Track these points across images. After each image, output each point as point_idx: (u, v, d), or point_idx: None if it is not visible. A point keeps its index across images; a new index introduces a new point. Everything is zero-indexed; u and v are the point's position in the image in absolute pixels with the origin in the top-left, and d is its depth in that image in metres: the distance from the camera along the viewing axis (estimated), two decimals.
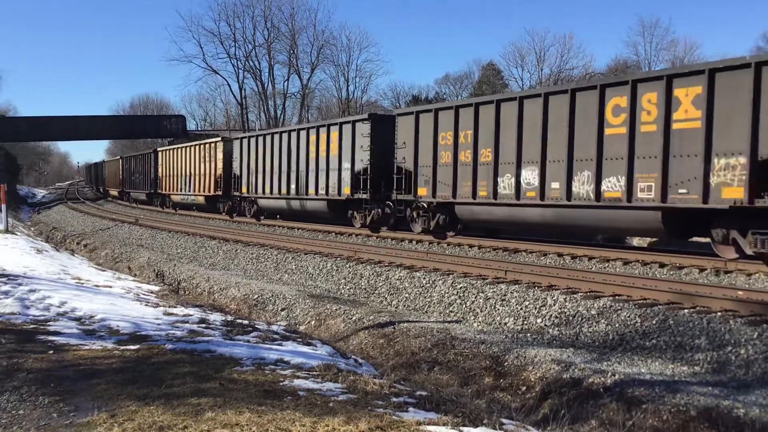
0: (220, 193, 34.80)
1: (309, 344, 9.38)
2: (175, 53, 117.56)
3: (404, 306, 13.23)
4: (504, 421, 6.15)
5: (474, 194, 18.07)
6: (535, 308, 11.18)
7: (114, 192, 64.84)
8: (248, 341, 8.86)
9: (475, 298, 12.24)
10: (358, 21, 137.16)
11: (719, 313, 9.51)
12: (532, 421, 7.33)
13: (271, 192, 29.00)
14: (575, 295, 11.19)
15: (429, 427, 5.28)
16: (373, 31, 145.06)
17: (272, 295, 14.36)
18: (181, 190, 40.64)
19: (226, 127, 77.04)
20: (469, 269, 14.10)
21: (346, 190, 23.58)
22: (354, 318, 11.98)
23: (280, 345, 8.84)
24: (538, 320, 10.89)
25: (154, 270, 19.91)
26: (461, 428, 5.35)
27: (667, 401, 7.13)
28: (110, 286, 13.99)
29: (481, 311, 11.83)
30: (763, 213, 12.17)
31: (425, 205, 20.37)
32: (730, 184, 12.44)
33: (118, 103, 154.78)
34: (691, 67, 13.50)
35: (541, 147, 16.08)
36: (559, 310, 10.84)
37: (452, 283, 13.11)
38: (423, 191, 20.05)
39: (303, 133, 26.62)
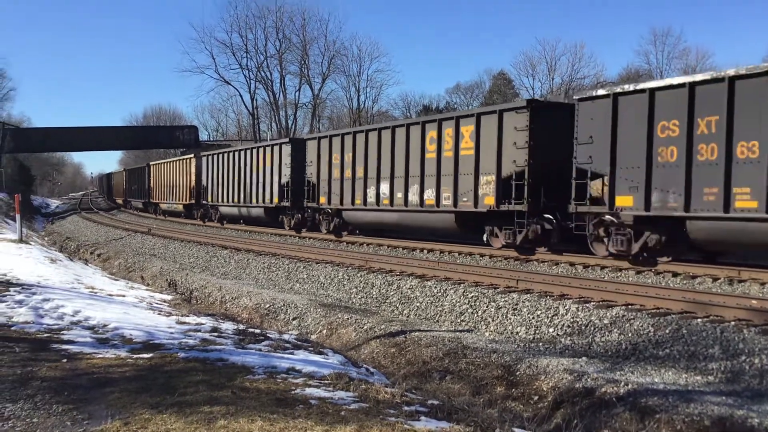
0: (193, 201, 40.62)
1: (320, 353, 9.40)
2: (188, 64, 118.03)
3: (415, 315, 13.22)
4: (516, 430, 6.14)
5: (353, 202, 23.60)
6: (547, 317, 11.15)
7: (119, 200, 68.47)
8: (260, 350, 8.88)
9: (487, 307, 12.22)
10: (368, 31, 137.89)
11: (733, 323, 9.45)
12: (545, 431, 7.31)
13: (229, 201, 34.85)
14: (587, 305, 11.15)
15: None
16: (383, 41, 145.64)
17: (284, 305, 14.39)
18: (166, 199, 47.33)
19: (237, 137, 77.45)
20: (481, 278, 14.08)
21: (276, 200, 29.32)
22: (365, 327, 11.98)
23: (291, 354, 8.85)
24: (551, 329, 10.85)
25: (167, 279, 20.00)
26: None
27: (680, 411, 7.08)
28: (123, 296, 14.07)
29: (493, 320, 11.80)
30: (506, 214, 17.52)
31: (329, 211, 25.35)
32: (489, 194, 17.87)
33: (131, 114, 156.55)
34: (468, 112, 19.68)
35: (391, 166, 21.69)
36: (572, 320, 10.80)
37: (463, 292, 13.10)
38: (323, 200, 25.64)
39: (248, 153, 32.60)
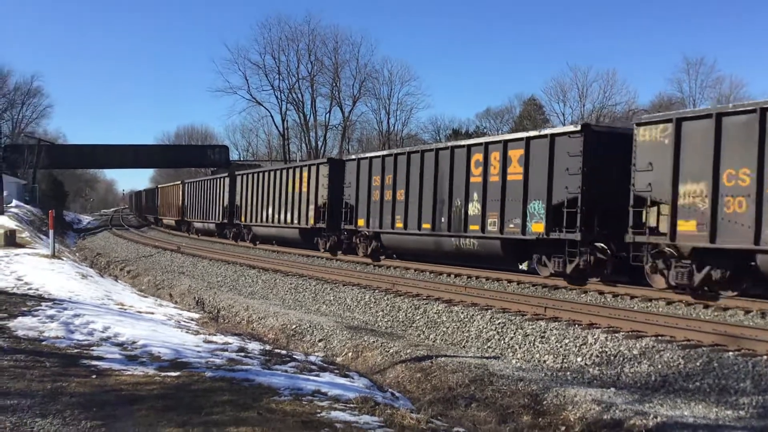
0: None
1: (346, 376, 9.39)
2: (221, 84, 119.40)
3: (442, 340, 13.15)
4: None
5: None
6: (575, 346, 11.03)
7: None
8: (286, 371, 8.90)
9: (514, 334, 12.13)
10: (400, 55, 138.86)
11: (765, 357, 9.27)
12: None
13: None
14: (617, 335, 11.02)
15: None
16: (414, 65, 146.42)
17: (310, 326, 14.41)
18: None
19: (267, 157, 78.15)
20: (508, 305, 13.98)
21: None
22: (391, 351, 11.94)
23: (317, 376, 8.86)
24: (578, 359, 10.72)
25: (195, 297, 20.15)
26: None
27: None
28: (152, 313, 14.21)
29: (520, 348, 11.70)
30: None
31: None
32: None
33: (164, 133, 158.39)
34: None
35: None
36: (600, 349, 10.67)
37: (490, 318, 13.02)
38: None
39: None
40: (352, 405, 7.02)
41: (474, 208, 19.50)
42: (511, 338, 12.05)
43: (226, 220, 40.20)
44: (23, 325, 10.08)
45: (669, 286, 14.41)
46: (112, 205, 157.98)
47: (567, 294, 16.08)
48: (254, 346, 10.96)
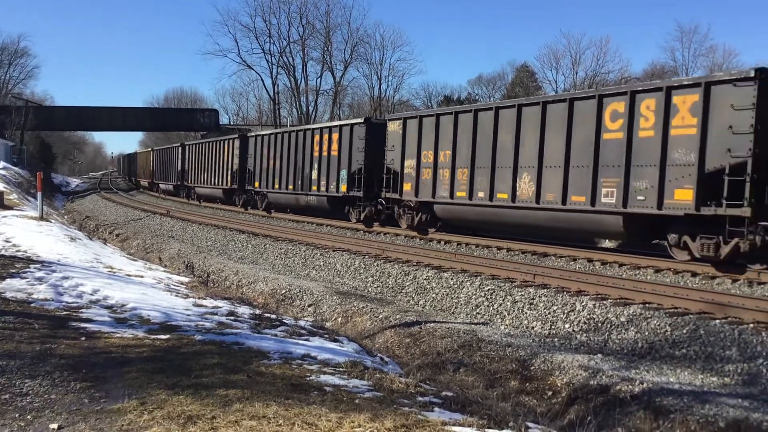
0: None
1: (336, 341, 9.43)
2: (211, 47, 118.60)
3: (431, 306, 13.22)
4: (530, 424, 6.12)
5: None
6: (564, 313, 11.11)
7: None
8: (276, 335, 8.92)
9: (503, 300, 12.19)
10: (392, 19, 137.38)
11: (751, 325, 9.37)
12: (558, 426, 7.30)
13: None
14: (604, 302, 11.10)
15: (454, 428, 5.27)
16: (407, 30, 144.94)
17: (300, 291, 14.44)
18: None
19: (258, 122, 77.65)
20: (498, 272, 14.04)
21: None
22: (381, 316, 12.00)
23: (307, 340, 8.89)
24: (566, 325, 10.81)
25: (184, 261, 20.13)
26: (486, 430, 5.33)
27: (695, 412, 7.04)
28: (141, 276, 14.17)
29: (509, 314, 11.77)
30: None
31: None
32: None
33: (152, 96, 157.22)
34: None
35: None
36: (588, 316, 10.75)
37: (480, 284, 13.07)
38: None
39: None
40: (341, 369, 7.04)
41: (314, 174, 24.75)
42: (500, 304, 12.12)
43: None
44: (11, 287, 10.04)
45: (408, 226, 21.54)
46: (100, 168, 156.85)
47: (556, 261, 16.15)
48: (244, 310, 10.97)
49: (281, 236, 22.34)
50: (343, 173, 25.16)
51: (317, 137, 27.40)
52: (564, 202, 15.94)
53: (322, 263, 17.85)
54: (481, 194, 18.46)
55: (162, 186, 55.94)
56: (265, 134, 33.43)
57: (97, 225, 33.29)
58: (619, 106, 14.83)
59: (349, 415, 5.30)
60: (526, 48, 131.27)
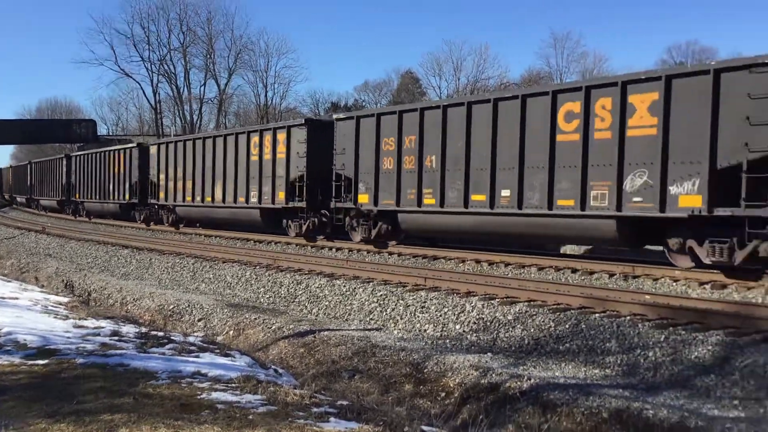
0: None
1: (227, 355, 9.23)
2: (86, 55, 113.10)
3: (324, 314, 13.17)
4: (424, 428, 6.21)
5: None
6: (454, 315, 11.34)
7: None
8: (164, 354, 8.63)
9: (396, 305, 12.31)
10: (276, 27, 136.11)
11: (628, 317, 9.88)
12: (452, 427, 7.44)
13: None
14: (492, 301, 11.41)
15: None
16: (292, 37, 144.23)
17: (189, 305, 14.04)
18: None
19: (139, 132, 75.06)
20: (390, 277, 14.17)
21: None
22: (273, 327, 11.84)
23: (197, 357, 8.65)
24: (457, 327, 11.04)
25: (63, 280, 19.16)
26: None
27: (580, 404, 7.34)
28: (16, 298, 13.38)
29: (402, 318, 11.90)
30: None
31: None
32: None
33: (23, 107, 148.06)
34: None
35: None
36: (477, 316, 11.02)
37: (372, 290, 13.15)
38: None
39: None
40: (233, 385, 6.90)
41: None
42: (393, 309, 12.23)
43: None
44: None
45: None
46: None
47: (446, 264, 16.47)
48: (129, 329, 10.55)
49: (167, 250, 21.62)
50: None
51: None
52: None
53: (212, 276, 17.44)
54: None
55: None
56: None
57: None
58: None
59: None
60: (410, 54, 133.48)
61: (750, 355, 8.03)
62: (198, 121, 68.43)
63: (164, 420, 5.40)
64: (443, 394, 8.54)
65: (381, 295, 12.84)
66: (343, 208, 19.93)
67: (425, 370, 9.12)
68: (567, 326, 9.92)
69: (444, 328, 11.13)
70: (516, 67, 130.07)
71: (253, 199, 23.50)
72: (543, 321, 10.24)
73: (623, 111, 13.15)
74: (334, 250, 20.15)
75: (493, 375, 8.49)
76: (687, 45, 68.52)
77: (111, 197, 35.64)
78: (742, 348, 8.26)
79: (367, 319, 12.34)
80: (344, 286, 13.81)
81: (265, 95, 69.55)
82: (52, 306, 13.04)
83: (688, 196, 12.20)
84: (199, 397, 6.29)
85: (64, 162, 44.64)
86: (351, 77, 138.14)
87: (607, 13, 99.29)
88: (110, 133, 78.00)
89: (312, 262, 16.85)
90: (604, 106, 13.53)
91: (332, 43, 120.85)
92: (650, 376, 8.28)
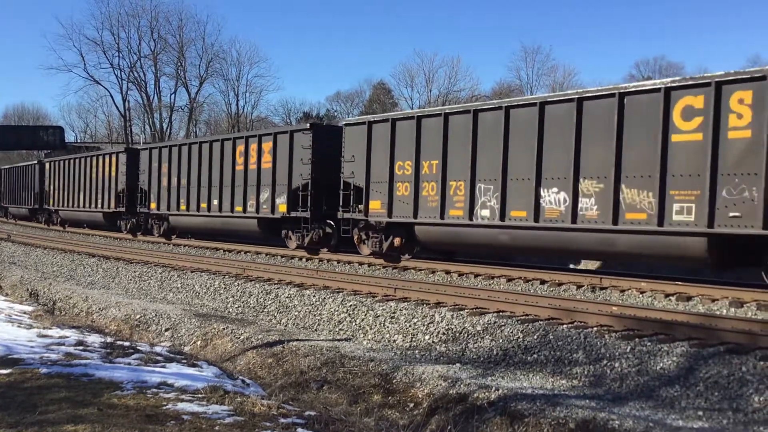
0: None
1: (194, 365, 9.13)
2: (54, 62, 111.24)
3: (294, 324, 13.10)
4: None
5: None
6: (424, 325, 11.35)
7: None
8: (129, 364, 8.52)
9: (365, 315, 12.29)
10: (248, 35, 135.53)
11: (595, 328, 9.97)
12: None
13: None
14: (462, 312, 11.44)
15: None
16: (264, 46, 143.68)
17: (156, 315, 13.88)
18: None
19: (108, 139, 74.21)
20: (360, 287, 14.15)
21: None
22: (242, 337, 11.75)
23: (163, 367, 8.55)
24: (426, 337, 11.05)
25: (28, 289, 18.83)
26: None
27: (547, 414, 7.39)
28: None
29: (371, 329, 11.88)
30: None
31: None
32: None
33: None
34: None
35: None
36: (447, 327, 11.05)
37: (342, 300, 13.12)
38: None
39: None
40: (200, 395, 6.83)
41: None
42: (362, 320, 12.22)
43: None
44: None
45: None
46: None
47: (416, 274, 16.50)
48: (94, 339, 10.40)
49: (135, 258, 21.34)
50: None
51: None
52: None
53: (179, 285, 17.25)
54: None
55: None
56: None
57: None
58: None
59: None
60: (382, 65, 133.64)
61: (714, 366, 8.16)
62: (168, 129, 67.89)
63: (129, 431, 5.33)
64: (412, 405, 8.54)
65: (351, 305, 12.81)
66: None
67: (394, 381, 9.12)
68: (535, 337, 9.98)
69: (413, 339, 11.14)
70: (487, 79, 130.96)
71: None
72: (511, 332, 10.30)
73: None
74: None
75: (462, 385, 8.51)
76: (654, 60, 69.84)
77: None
78: (706, 359, 8.39)
79: (337, 329, 12.31)
80: (314, 296, 13.76)
81: (237, 104, 69.30)
82: (15, 315, 12.81)
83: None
84: (164, 407, 6.21)
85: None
86: (323, 87, 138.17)
87: (577, 27, 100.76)
88: (78, 140, 76.97)
89: (282, 272, 16.76)
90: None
91: (304, 53, 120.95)
92: (616, 387, 8.36)
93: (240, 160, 22.85)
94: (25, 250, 27.03)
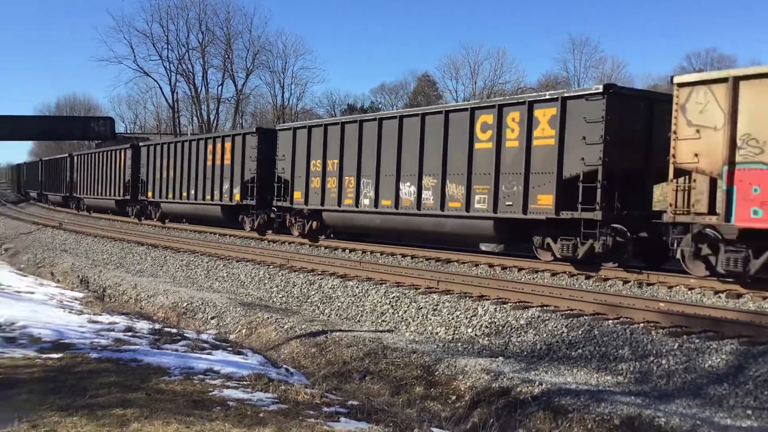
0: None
1: (239, 353, 9.26)
2: (105, 54, 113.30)
3: (336, 315, 13.19)
4: (435, 430, 6.21)
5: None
6: (466, 318, 11.32)
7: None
8: (176, 350, 8.68)
9: (408, 307, 12.31)
10: (294, 27, 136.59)
11: (642, 324, 9.82)
12: (462, 430, 7.43)
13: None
14: (505, 306, 11.37)
15: None
16: (309, 38, 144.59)
17: (202, 303, 14.11)
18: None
19: (156, 130, 75.47)
20: (402, 279, 14.17)
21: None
22: (286, 327, 11.88)
23: (209, 354, 8.69)
24: (469, 330, 11.02)
25: (79, 276, 19.31)
26: None
27: (592, 410, 7.31)
28: (32, 292, 13.51)
29: (413, 321, 11.89)
30: None
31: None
32: None
33: (43, 104, 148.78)
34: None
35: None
36: (489, 320, 11.00)
37: (385, 292, 13.15)
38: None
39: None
40: (245, 382, 6.92)
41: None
42: (405, 311, 12.23)
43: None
44: None
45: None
46: None
47: (459, 267, 16.45)
48: (143, 326, 10.61)
49: (182, 248, 21.73)
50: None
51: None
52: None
53: (225, 274, 17.51)
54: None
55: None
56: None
57: None
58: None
59: (253, 430, 5.21)
60: (427, 57, 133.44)
61: (764, 365, 7.96)
62: (215, 121, 68.71)
63: (176, 415, 5.43)
64: (454, 397, 8.53)
65: (393, 296, 12.84)
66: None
67: (436, 373, 9.12)
68: (580, 332, 9.87)
69: (456, 331, 11.12)
70: (533, 71, 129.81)
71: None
72: (556, 326, 10.20)
73: None
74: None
75: (505, 379, 8.47)
76: (706, 52, 67.84)
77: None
78: (756, 357, 8.19)
79: (379, 320, 12.35)
80: (357, 287, 13.82)
81: (282, 96, 69.78)
82: (67, 301, 13.15)
83: None
84: (210, 393, 6.32)
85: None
86: (368, 79, 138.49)
87: (626, 19, 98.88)
88: (128, 131, 78.47)
89: (325, 263, 16.88)
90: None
91: (350, 45, 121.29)
92: (663, 384, 8.23)
93: (210, 157, 27.51)
94: (76, 238, 27.72)
